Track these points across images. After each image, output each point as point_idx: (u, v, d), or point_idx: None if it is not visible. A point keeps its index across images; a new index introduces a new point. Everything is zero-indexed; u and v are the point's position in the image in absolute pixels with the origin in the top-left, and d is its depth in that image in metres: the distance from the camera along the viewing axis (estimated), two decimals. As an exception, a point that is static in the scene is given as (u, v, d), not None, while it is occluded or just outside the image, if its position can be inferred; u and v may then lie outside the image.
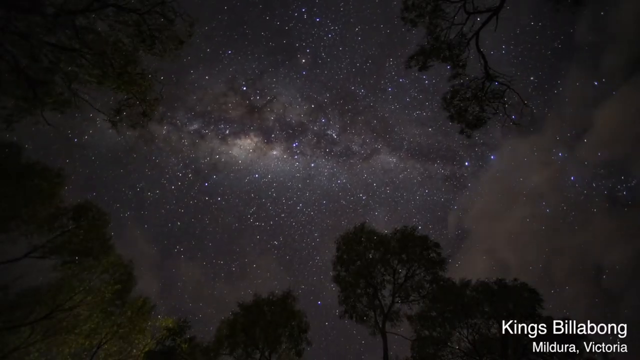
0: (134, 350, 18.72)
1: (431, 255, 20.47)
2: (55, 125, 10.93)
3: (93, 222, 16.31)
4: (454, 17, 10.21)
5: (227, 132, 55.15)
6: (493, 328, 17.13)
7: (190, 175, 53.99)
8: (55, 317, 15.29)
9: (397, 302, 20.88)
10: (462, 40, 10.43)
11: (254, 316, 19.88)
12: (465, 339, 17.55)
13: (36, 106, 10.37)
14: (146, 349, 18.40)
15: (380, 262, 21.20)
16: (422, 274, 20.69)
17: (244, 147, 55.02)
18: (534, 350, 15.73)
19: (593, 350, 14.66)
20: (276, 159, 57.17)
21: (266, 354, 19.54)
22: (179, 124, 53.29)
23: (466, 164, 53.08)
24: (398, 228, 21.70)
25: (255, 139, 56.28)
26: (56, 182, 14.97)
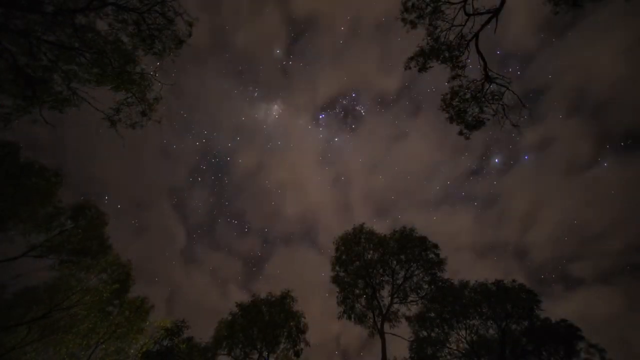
0: (132, 350, 18.66)
1: (430, 256, 20.47)
2: (54, 124, 10.88)
3: (91, 221, 16.26)
4: (454, 18, 10.23)
5: (256, 94, 54.53)
6: (491, 329, 17.16)
7: (215, 133, 53.79)
8: (53, 317, 15.22)
9: (396, 302, 20.88)
10: (461, 42, 10.45)
11: (253, 316, 19.84)
12: (463, 340, 17.57)
13: (35, 105, 10.33)
14: (144, 349, 18.33)
15: (379, 263, 21.19)
16: (420, 274, 20.68)
17: (270, 112, 54.24)
18: (531, 351, 15.77)
19: (591, 351, 14.71)
20: (300, 128, 56.29)
21: (264, 354, 19.51)
22: (209, 81, 52.45)
23: (496, 160, 50.91)
24: (397, 229, 21.74)
25: (282, 106, 55.41)
26: (54, 181, 14.91)
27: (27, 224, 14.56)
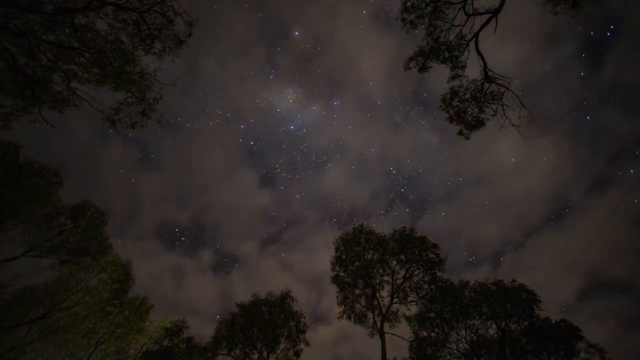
0: (132, 350, 18.64)
1: (430, 256, 20.46)
2: (53, 124, 10.86)
3: (91, 221, 16.24)
4: (454, 18, 10.23)
5: (271, 77, 53.52)
6: (491, 329, 17.16)
7: (228, 114, 52.89)
8: (52, 317, 15.21)
9: (396, 302, 20.88)
10: (461, 42, 10.45)
11: (253, 316, 19.83)
12: (463, 340, 17.57)
13: (34, 104, 10.32)
14: (144, 349, 18.32)
15: (379, 263, 21.19)
16: (420, 274, 20.69)
17: (285, 96, 53.24)
18: (531, 351, 15.78)
19: (591, 351, 14.73)
20: (314, 114, 55.22)
21: (264, 354, 19.51)
22: (225, 60, 51.18)
23: (512, 160, 48.93)
24: (397, 229, 21.74)
25: (298, 90, 54.31)
26: (54, 181, 14.89)
27: (27, 224, 14.54)
